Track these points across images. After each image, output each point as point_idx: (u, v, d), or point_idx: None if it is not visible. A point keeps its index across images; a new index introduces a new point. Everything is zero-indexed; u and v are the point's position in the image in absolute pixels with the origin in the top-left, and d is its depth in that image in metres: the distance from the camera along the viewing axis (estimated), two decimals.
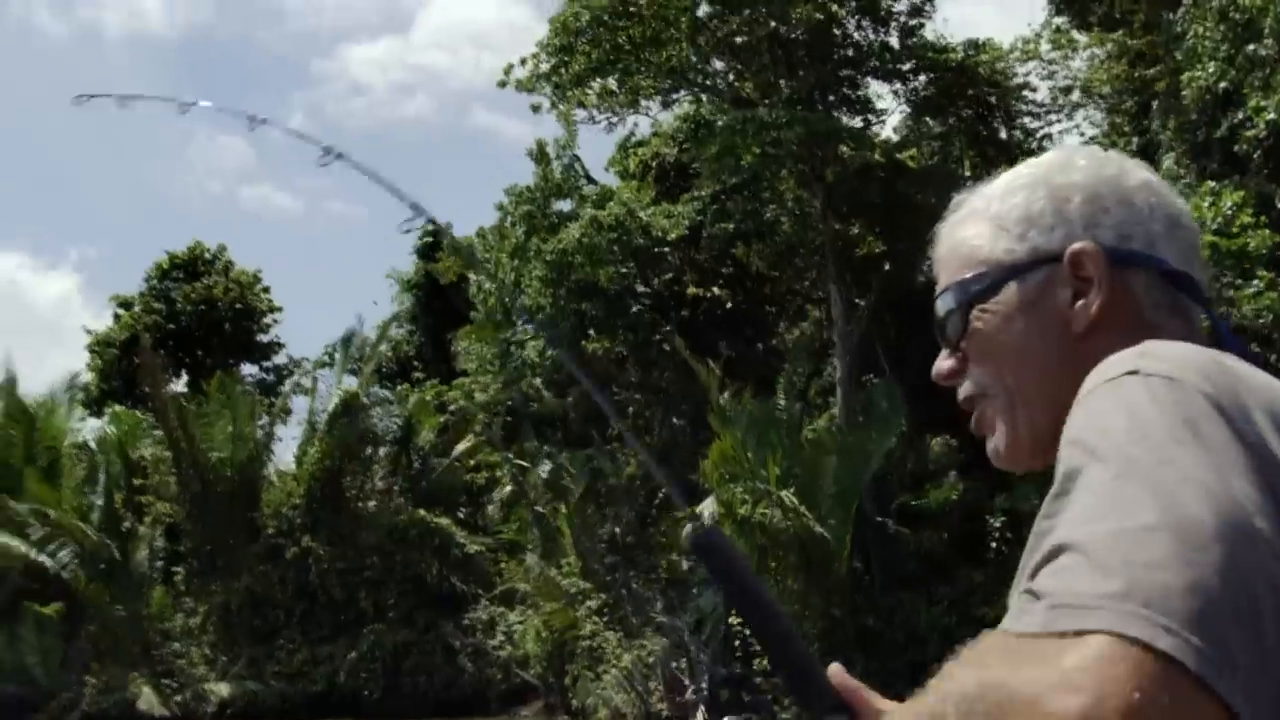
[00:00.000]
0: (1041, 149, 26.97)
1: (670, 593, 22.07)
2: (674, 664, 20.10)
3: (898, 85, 21.95)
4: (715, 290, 22.43)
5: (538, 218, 23.08)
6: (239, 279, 32.46)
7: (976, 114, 24.17)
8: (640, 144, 25.40)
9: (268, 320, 33.25)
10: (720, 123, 19.35)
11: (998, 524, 18.12)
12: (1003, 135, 24.62)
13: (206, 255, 33.02)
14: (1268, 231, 13.27)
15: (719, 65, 22.89)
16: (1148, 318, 1.07)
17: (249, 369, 33.07)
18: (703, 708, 19.49)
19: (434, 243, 35.02)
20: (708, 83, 22.90)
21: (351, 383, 30.45)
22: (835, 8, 20.09)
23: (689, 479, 23.51)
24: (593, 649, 21.47)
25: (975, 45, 24.68)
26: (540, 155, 23.90)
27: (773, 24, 19.43)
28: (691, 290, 22.27)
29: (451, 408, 31.45)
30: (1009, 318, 1.11)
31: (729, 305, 22.64)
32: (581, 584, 22.36)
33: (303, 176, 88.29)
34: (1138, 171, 1.14)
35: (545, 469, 25.33)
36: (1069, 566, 0.74)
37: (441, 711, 23.44)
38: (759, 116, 18.85)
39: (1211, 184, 13.86)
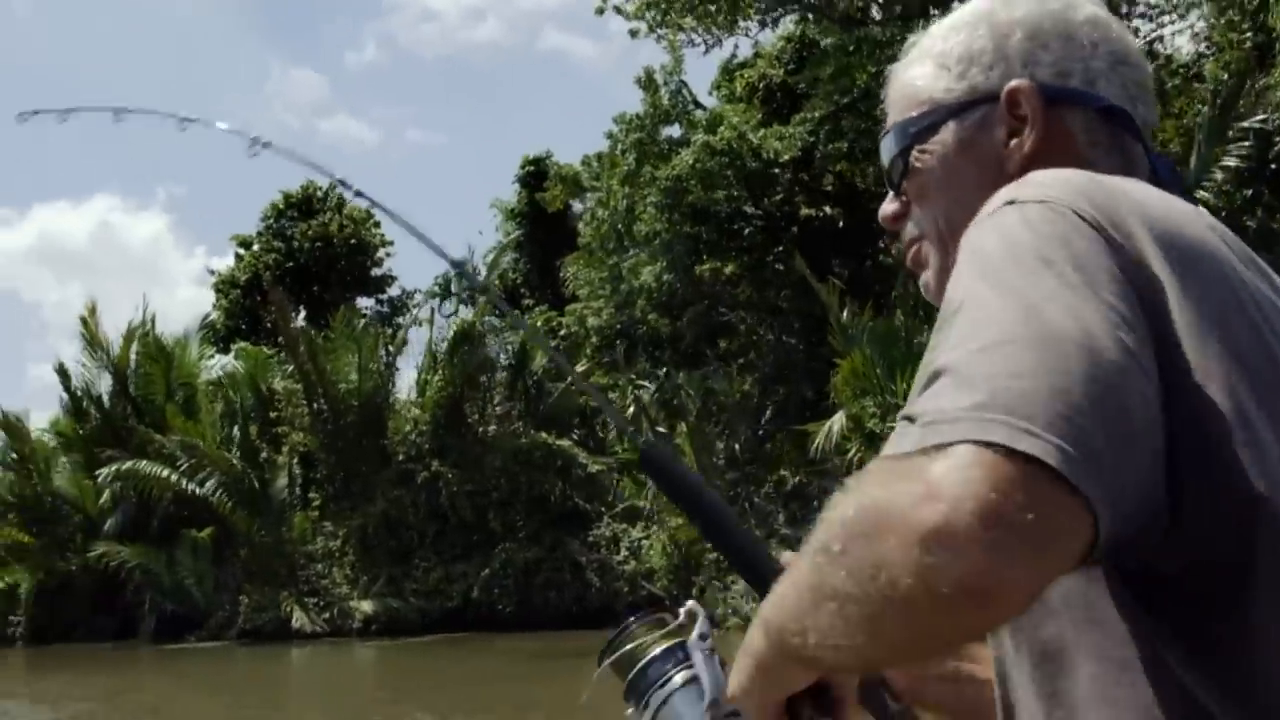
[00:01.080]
0: (1153, 54, 26.51)
1: (792, 505, 22.74)
2: None
3: None
4: (827, 209, 22.70)
5: (648, 145, 23.43)
6: (352, 215, 33.45)
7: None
8: (744, 65, 25.52)
9: (380, 255, 34.27)
10: (830, 43, 19.46)
11: None
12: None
13: (319, 194, 34.02)
14: None
15: None
16: (1083, 154, 1.07)
17: (364, 302, 34.22)
18: None
19: (537, 170, 35.65)
20: (816, 1, 22.93)
21: (466, 313, 31.50)
22: None
23: (805, 394, 24.06)
24: (719, 561, 22.27)
25: None
26: (648, 82, 24.18)
27: None
28: (804, 211, 22.54)
29: (562, 332, 32.31)
30: (946, 157, 1.11)
31: (841, 224, 22.90)
32: None
33: (379, 105, 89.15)
34: (1085, 6, 1.12)
35: (657, 388, 26.10)
36: (938, 387, 0.77)
37: (573, 624, 24.52)
38: (872, 35, 18.94)
39: None
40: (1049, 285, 0.80)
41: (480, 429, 28.07)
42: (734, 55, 27.36)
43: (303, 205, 33.65)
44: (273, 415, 27.69)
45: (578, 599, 25.49)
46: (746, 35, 26.87)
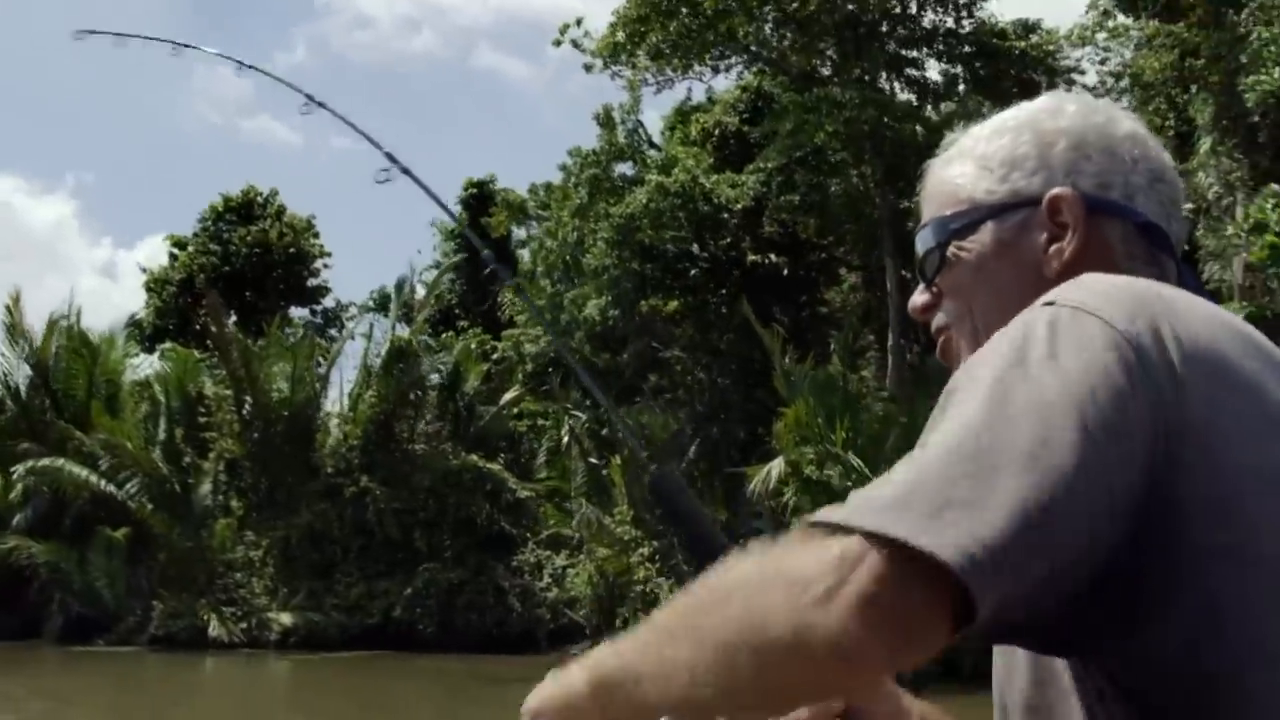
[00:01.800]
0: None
1: None
2: None
3: (958, 67, 22.85)
4: (773, 257, 23.38)
5: (602, 180, 23.92)
6: (292, 224, 33.32)
7: (1024, 95, 25.04)
8: (698, 109, 26.20)
9: (317, 265, 34.16)
10: (789, 99, 20.21)
11: None
12: None
13: (259, 199, 33.82)
14: None
15: (786, 39, 23.68)
16: (1120, 266, 1.08)
17: (298, 312, 34.03)
18: None
19: (480, 193, 35.90)
20: (772, 55, 23.70)
21: (402, 329, 31.55)
22: None
23: (737, 435, 24.65)
24: (645, 594, 22.65)
25: (1026, 26, 25.52)
26: (606, 120, 24.70)
27: (850, 7, 20.23)
28: (750, 257, 23.20)
29: (494, 356, 32.55)
30: (984, 256, 1.13)
31: (784, 273, 23.61)
32: (633, 532, 23.51)
33: (296, 115, 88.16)
34: (1126, 122, 1.15)
35: (589, 419, 26.47)
36: (893, 470, 0.82)
37: (493, 648, 24.64)
38: (832, 95, 19.70)
39: (1275, 187, 14.91)
40: (1036, 397, 0.83)
41: (409, 447, 28.11)
42: (688, 98, 28.10)
43: (242, 210, 33.42)
44: (201, 419, 27.38)
45: (499, 623, 25.60)
46: (700, 80, 27.67)
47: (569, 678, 0.97)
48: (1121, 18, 26.76)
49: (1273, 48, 16.06)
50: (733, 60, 26.36)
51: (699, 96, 27.90)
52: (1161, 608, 0.86)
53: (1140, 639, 0.87)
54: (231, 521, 26.76)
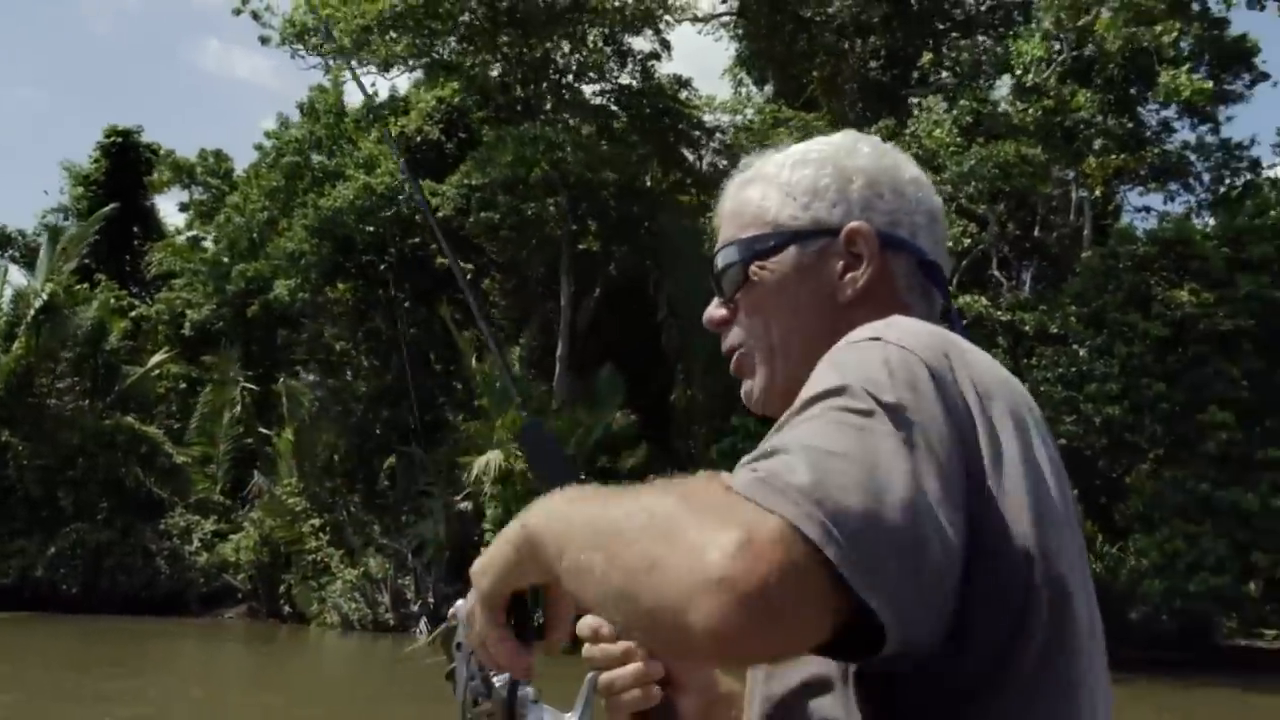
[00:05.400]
0: (726, 178, 32.61)
1: (386, 519, 25.23)
2: (399, 580, 23.47)
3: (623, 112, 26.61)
4: (461, 262, 25.72)
5: (302, 168, 25.09)
6: None
7: (671, 143, 29.18)
8: (395, 111, 27.90)
9: None
10: (511, 133, 22.78)
11: None
12: (696, 165, 29.78)
13: None
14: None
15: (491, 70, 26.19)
16: (901, 297, 1.19)
17: None
18: (424, 618, 23.07)
19: (126, 143, 34.73)
20: (472, 72, 26.10)
21: (26, 276, 30.17)
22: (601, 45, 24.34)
23: (407, 420, 26.70)
24: (316, 563, 24.21)
25: (680, 82, 29.68)
26: (311, 110, 25.81)
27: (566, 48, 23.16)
28: (440, 260, 25.38)
29: (133, 314, 31.93)
30: (785, 277, 1.20)
31: (468, 276, 26.02)
32: (304, 503, 24.91)
33: None
34: (910, 167, 1.25)
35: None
36: (782, 459, 0.87)
37: (140, 609, 24.92)
38: (547, 135, 22.50)
39: None
40: (891, 424, 0.90)
41: (49, 402, 27.33)
42: (375, 93, 29.63)
43: None
44: None
45: (146, 584, 25.84)
46: (384, 77, 29.25)
47: (510, 534, 1.07)
48: (754, 91, 31.84)
49: None
50: (413, 64, 28.36)
51: (383, 89, 29.56)
52: (968, 634, 0.92)
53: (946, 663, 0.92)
54: None
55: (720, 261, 1.24)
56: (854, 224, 1.18)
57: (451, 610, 1.21)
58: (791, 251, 1.20)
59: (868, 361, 0.96)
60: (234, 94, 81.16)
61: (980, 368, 1.01)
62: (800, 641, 0.85)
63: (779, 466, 0.86)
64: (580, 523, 0.96)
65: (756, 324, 1.22)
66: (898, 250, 1.20)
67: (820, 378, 0.97)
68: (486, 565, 1.10)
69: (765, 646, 0.83)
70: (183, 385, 30.99)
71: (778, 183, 1.23)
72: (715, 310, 1.26)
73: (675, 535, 0.84)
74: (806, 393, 0.96)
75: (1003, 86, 24.47)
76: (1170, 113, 24.15)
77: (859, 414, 0.91)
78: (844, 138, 1.26)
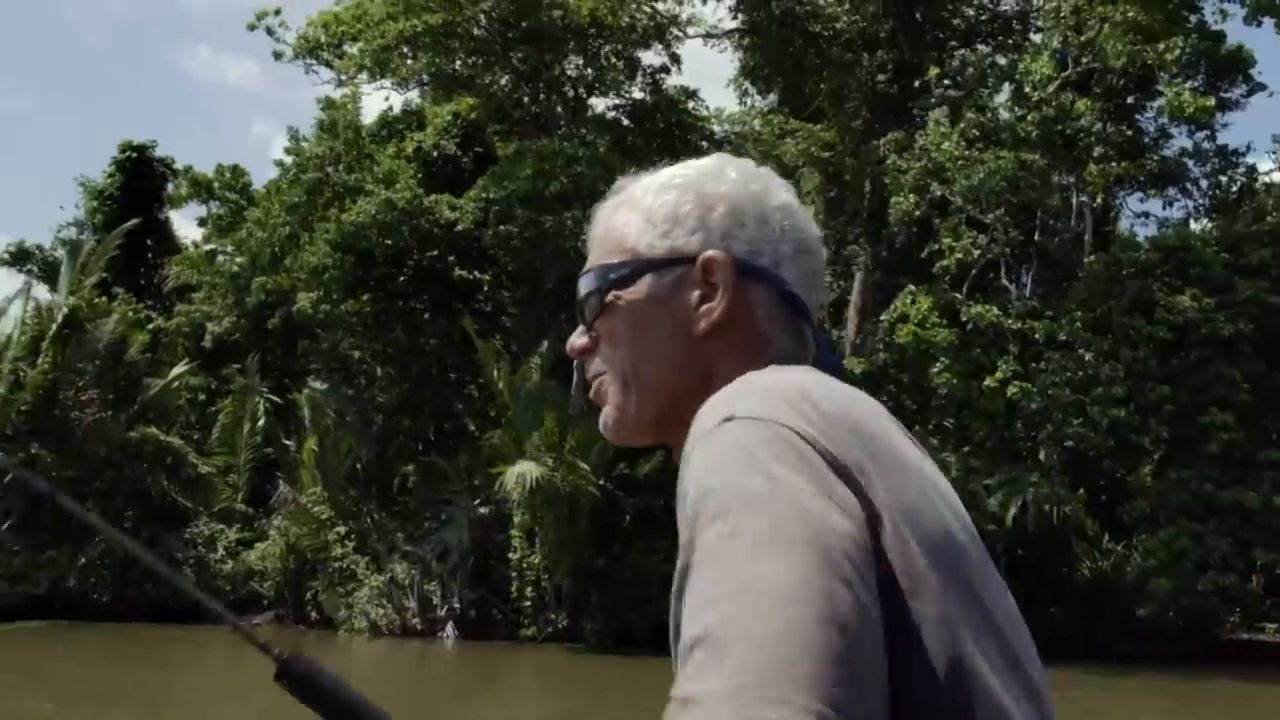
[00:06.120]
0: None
1: (409, 526, 25.81)
2: (425, 585, 24.07)
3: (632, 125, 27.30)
4: (476, 273, 26.33)
5: (323, 184, 25.68)
6: None
7: (680, 154, 29.86)
8: (410, 126, 28.48)
9: None
10: (531, 147, 23.40)
11: None
12: None
13: None
14: (948, 330, 19.88)
15: (502, 82, 26.80)
16: (763, 330, 1.15)
17: None
18: (451, 623, 23.67)
19: (141, 158, 35.25)
20: (492, 90, 26.71)
21: (44, 291, 30.72)
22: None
23: (426, 430, 27.30)
24: (343, 570, 24.77)
25: (686, 92, 30.32)
26: (330, 126, 26.40)
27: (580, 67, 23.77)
28: (458, 271, 25.98)
29: (150, 326, 32.47)
30: (640, 307, 1.17)
31: (485, 288, 26.64)
32: (329, 511, 25.48)
33: None
34: (780, 193, 1.21)
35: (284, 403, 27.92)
36: (701, 663, 0.81)
37: (168, 617, 25.45)
38: (566, 150, 23.13)
39: (912, 288, 20.27)
40: (770, 530, 0.85)
41: (73, 414, 27.86)
42: (389, 107, 30.28)
43: None
44: None
45: (174, 593, 26.31)
46: (399, 91, 29.85)
47: None
48: (759, 100, 32.47)
49: (905, 177, 21.54)
50: (430, 81, 28.98)
51: (396, 104, 30.16)
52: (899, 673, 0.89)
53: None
54: None
55: (581, 288, 1.22)
56: (709, 253, 1.16)
57: None
58: (647, 280, 1.18)
59: (725, 455, 0.92)
60: (224, 99, 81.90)
61: (843, 402, 1.00)
62: None
63: (702, 679, 0.80)
64: None
65: (612, 353, 1.19)
66: (758, 281, 1.17)
67: (690, 500, 0.92)
68: None
69: None
70: (201, 396, 31.58)
71: (641, 208, 1.21)
72: (577, 338, 1.24)
73: None
74: (684, 528, 0.92)
75: (1002, 93, 25.18)
76: (1167, 118, 24.83)
77: (742, 545, 0.85)
78: (713, 161, 1.23)
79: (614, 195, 1.25)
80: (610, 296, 1.19)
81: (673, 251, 1.17)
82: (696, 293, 1.16)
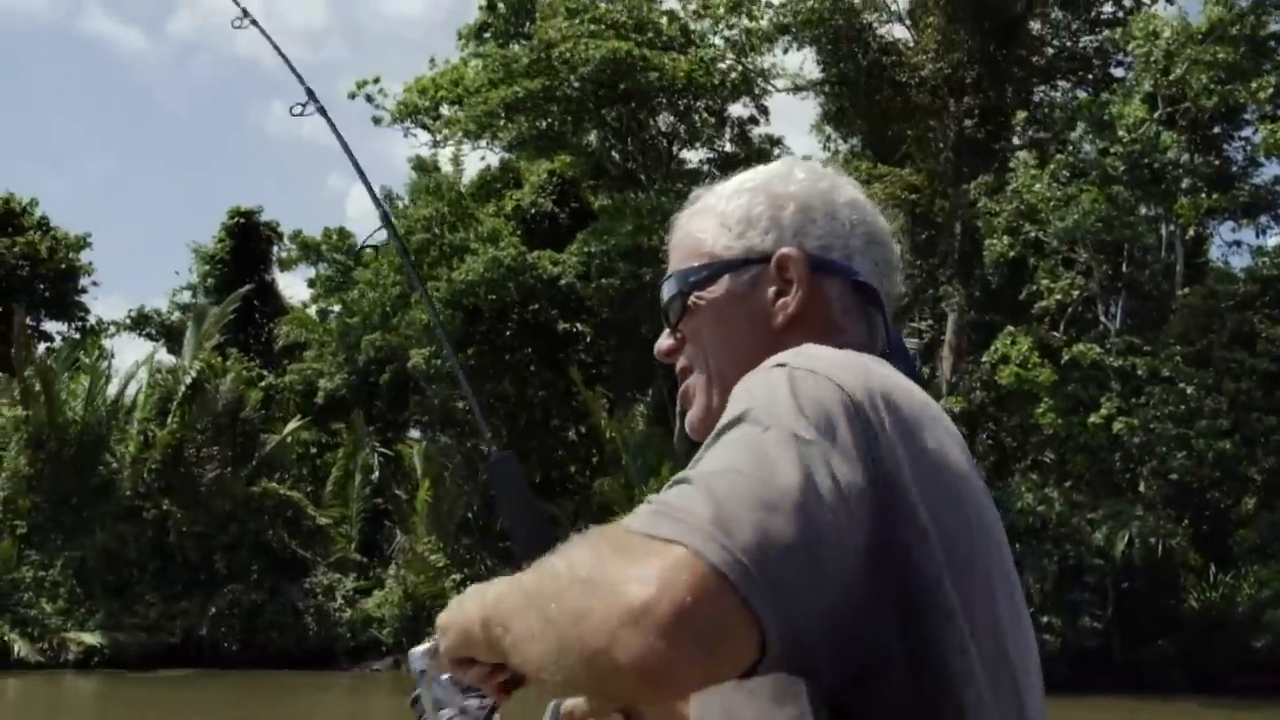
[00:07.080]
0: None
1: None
2: None
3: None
4: (578, 326, 27.31)
5: (430, 245, 26.86)
6: (63, 239, 32.99)
7: None
8: (508, 184, 29.65)
9: (84, 283, 33.99)
10: (631, 201, 24.39)
11: None
12: None
13: (19, 208, 33.20)
14: (1049, 370, 20.32)
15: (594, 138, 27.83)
16: (836, 321, 1.22)
17: (54, 326, 33.66)
18: None
19: (246, 224, 36.95)
20: (589, 150, 27.76)
21: (165, 355, 32.35)
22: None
23: (533, 477, 28.16)
24: None
25: (772, 140, 31.14)
26: (435, 188, 27.65)
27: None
28: (561, 325, 26.97)
29: (262, 383, 33.93)
30: (720, 307, 1.24)
31: (589, 340, 27.59)
32: (444, 560, 26.45)
33: None
34: (848, 190, 1.29)
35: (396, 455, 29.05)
36: (681, 489, 0.91)
37: (293, 664, 26.60)
38: (663, 206, 24.02)
39: (1011, 328, 20.75)
40: (791, 441, 0.93)
41: (197, 470, 29.25)
42: (487, 166, 31.55)
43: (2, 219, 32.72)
44: None
45: (298, 641, 27.49)
46: (492, 150, 31.06)
47: (466, 606, 1.14)
48: (842, 145, 33.15)
49: (997, 219, 22.04)
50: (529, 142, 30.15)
51: (493, 161, 31.46)
52: (898, 650, 0.95)
53: (880, 682, 0.95)
54: (14, 541, 26.82)
55: (664, 293, 1.30)
56: (783, 250, 1.22)
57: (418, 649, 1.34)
58: (725, 280, 1.24)
59: (771, 385, 1.00)
60: (300, 153, 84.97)
61: (899, 390, 1.04)
62: (729, 664, 0.87)
63: (674, 497, 0.91)
64: (518, 595, 1.01)
65: (697, 351, 1.26)
66: (831, 274, 1.23)
67: (728, 408, 1.01)
68: (448, 624, 1.21)
69: (695, 674, 0.87)
70: (313, 450, 32.87)
71: (715, 213, 1.28)
72: (664, 341, 1.31)
73: (594, 582, 0.88)
74: (721, 420, 1.00)
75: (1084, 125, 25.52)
76: (1262, 154, 25.00)
77: (756, 431, 0.95)
78: (781, 165, 1.31)
79: (690, 204, 1.35)
80: (692, 298, 1.27)
81: (748, 251, 1.25)
82: (773, 289, 1.23)
